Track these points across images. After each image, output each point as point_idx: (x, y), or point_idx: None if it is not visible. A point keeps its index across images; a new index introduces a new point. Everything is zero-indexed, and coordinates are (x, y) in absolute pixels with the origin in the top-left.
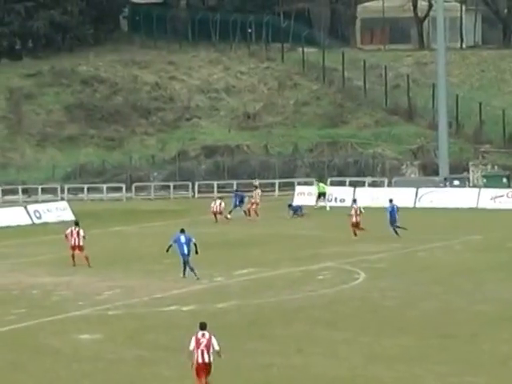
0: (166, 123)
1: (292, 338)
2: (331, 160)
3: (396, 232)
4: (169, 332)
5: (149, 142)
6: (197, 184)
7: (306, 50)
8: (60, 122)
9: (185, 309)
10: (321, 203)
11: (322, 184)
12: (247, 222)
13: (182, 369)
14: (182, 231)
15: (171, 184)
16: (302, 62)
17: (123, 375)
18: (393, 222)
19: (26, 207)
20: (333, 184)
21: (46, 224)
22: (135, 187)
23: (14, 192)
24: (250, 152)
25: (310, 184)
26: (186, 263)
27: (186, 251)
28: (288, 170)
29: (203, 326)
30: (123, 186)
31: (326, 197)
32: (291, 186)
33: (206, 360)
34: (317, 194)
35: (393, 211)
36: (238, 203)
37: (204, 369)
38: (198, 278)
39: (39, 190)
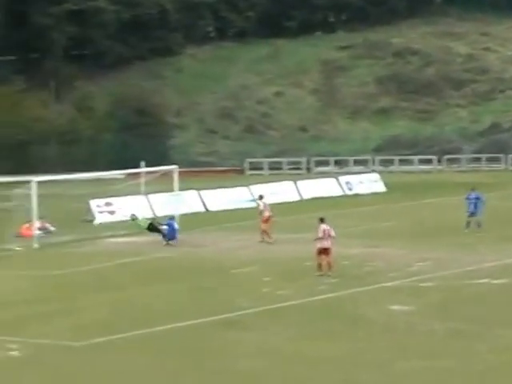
0: (478, 95)
1: None
2: None
3: None
4: (480, 305)
5: (461, 114)
6: (510, 157)
7: None
8: (372, 95)
9: (495, 282)
10: None
11: None
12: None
13: (495, 343)
14: (473, 189)
15: (483, 156)
16: None
17: (434, 347)
18: None
19: (337, 178)
20: None
21: (357, 195)
22: (446, 159)
23: (326, 163)
24: None
25: None
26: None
27: (472, 209)
28: None
29: None
30: (434, 158)
31: None
32: None
33: None
34: None
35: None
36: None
37: None
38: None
39: (351, 161)
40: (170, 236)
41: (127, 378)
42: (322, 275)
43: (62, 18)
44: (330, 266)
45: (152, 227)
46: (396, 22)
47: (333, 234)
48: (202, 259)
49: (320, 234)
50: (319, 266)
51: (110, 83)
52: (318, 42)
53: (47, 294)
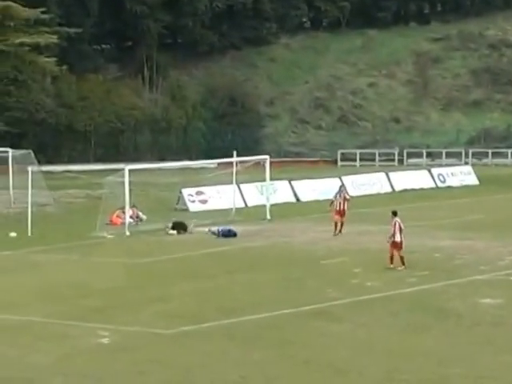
0: None
1: None
2: None
3: None
4: None
5: None
6: None
7: None
8: (466, 86)
9: None
10: None
11: None
12: None
13: None
14: None
15: None
16: None
17: None
18: None
19: (429, 170)
20: None
21: (449, 188)
22: None
23: (419, 155)
24: None
25: None
26: None
27: None
28: None
29: None
30: None
31: None
32: None
33: None
34: None
35: None
36: None
37: None
38: None
39: (443, 153)
40: (223, 233)
41: (214, 366)
42: (405, 268)
43: (156, 7)
44: (392, 259)
45: (176, 225)
46: (491, 13)
47: (403, 227)
48: (291, 249)
49: (393, 230)
50: (402, 259)
51: (203, 72)
52: (412, 33)
53: (137, 282)
